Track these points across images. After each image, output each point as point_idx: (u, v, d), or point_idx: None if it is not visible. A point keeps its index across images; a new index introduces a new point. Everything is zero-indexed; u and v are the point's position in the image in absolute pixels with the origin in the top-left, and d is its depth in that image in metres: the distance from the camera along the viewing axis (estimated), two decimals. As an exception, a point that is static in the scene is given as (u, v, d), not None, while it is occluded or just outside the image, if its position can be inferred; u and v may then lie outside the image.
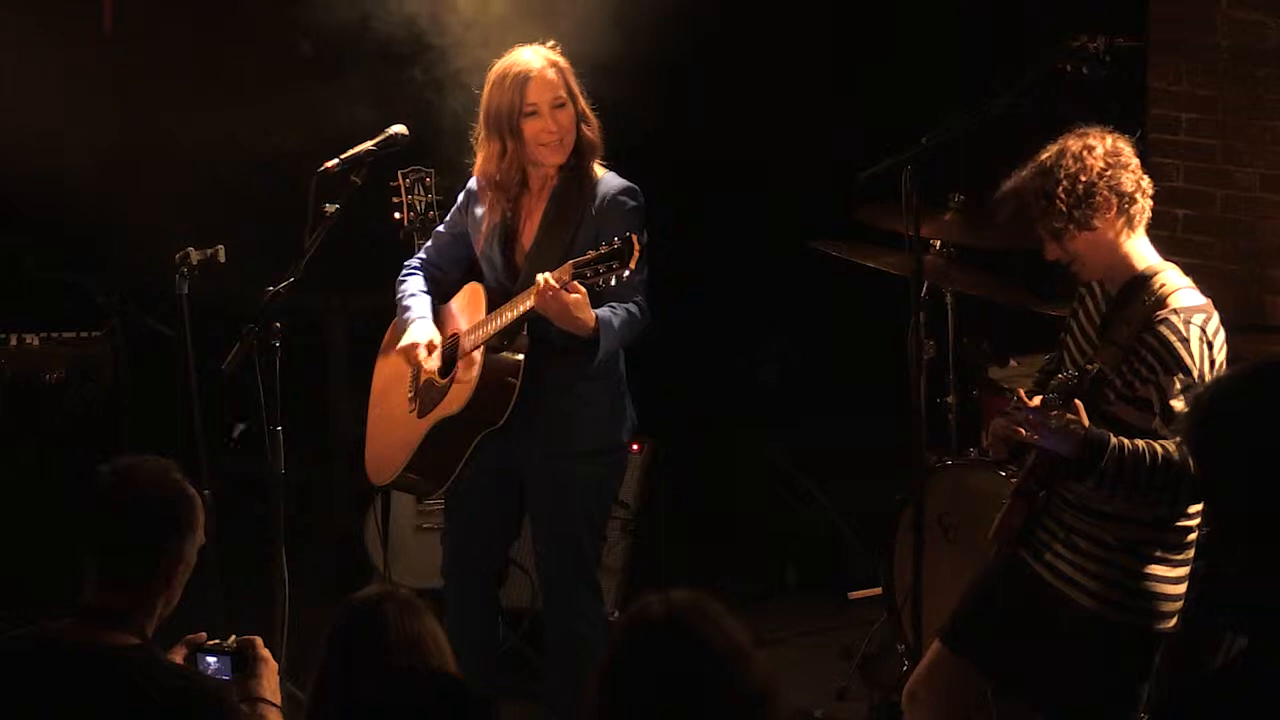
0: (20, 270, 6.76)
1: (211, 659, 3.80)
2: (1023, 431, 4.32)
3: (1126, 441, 4.26)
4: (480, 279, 5.24)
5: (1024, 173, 4.45)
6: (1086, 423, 4.25)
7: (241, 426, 5.99)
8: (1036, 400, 4.35)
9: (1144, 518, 4.39)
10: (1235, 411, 2.87)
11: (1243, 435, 2.84)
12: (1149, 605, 4.43)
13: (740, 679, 2.80)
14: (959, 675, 4.67)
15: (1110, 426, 4.32)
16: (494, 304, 5.09)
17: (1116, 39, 5.58)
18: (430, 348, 5.14)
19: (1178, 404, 4.26)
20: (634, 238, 4.73)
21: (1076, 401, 4.28)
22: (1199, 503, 4.35)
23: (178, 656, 3.78)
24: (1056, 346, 4.67)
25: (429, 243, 5.39)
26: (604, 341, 4.92)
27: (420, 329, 5.17)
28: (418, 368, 5.24)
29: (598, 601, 5.24)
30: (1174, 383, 4.27)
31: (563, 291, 4.78)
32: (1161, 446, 4.26)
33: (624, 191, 5.11)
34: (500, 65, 5.11)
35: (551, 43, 5.15)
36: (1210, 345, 4.32)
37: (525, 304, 4.92)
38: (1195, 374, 4.27)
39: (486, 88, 5.12)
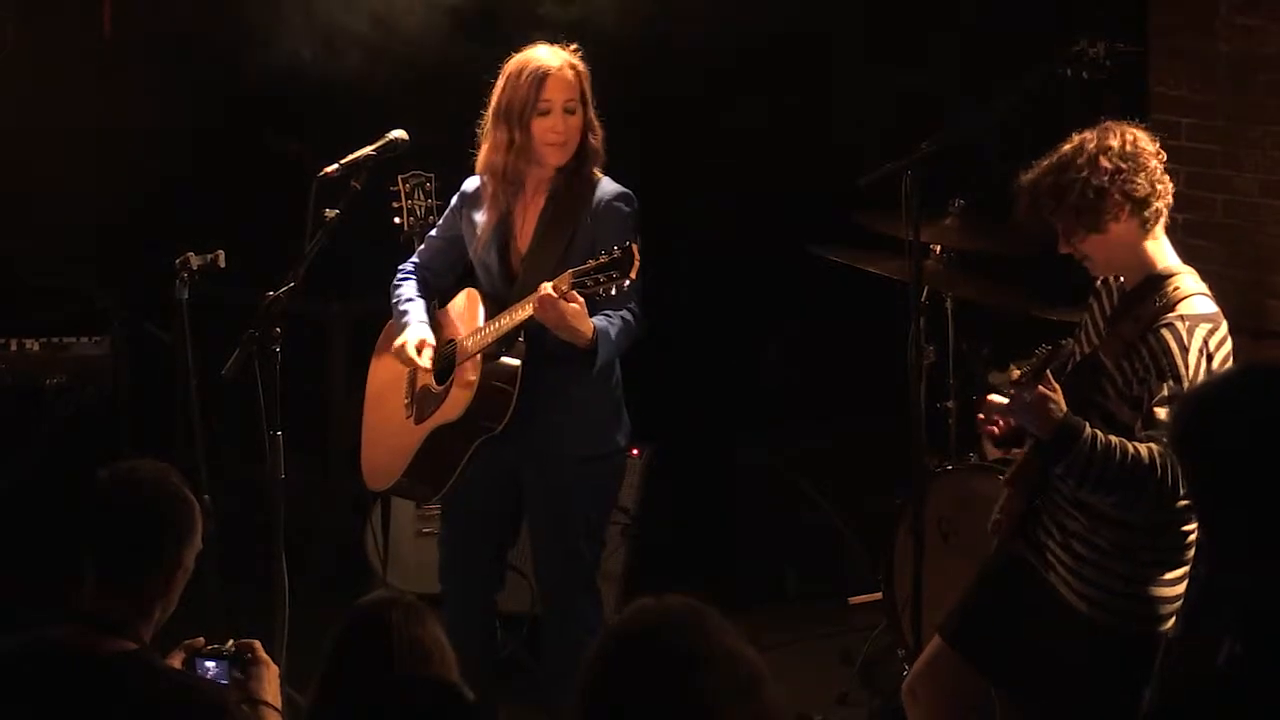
0: (20, 275, 6.75)
1: (210, 664, 3.80)
2: (999, 401, 4.33)
3: (1101, 435, 4.24)
4: (474, 283, 5.24)
5: (1043, 164, 4.40)
6: (1064, 407, 4.25)
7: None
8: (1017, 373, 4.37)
9: (1139, 522, 4.39)
10: (1224, 413, 2.87)
11: (1231, 437, 2.83)
12: (1146, 610, 4.43)
13: (732, 688, 2.77)
14: (958, 673, 4.66)
15: (1104, 421, 4.32)
16: (491, 309, 5.09)
17: (1116, 44, 5.59)
18: (421, 347, 5.14)
19: (1160, 410, 4.23)
20: (634, 247, 4.73)
21: (1048, 374, 4.27)
22: (1163, 507, 4.32)
23: (176, 662, 3.78)
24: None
25: (421, 246, 5.40)
26: (601, 351, 4.92)
27: (415, 331, 5.17)
28: (413, 373, 5.24)
29: (596, 606, 5.24)
30: (1163, 388, 4.25)
31: (562, 301, 4.79)
32: (1134, 447, 4.23)
33: (619, 197, 5.12)
34: (518, 59, 5.11)
35: (574, 47, 5.15)
36: (1210, 358, 4.29)
37: (524, 312, 4.92)
38: (1186, 384, 4.24)
39: (501, 79, 5.11)
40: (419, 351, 5.13)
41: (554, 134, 5.06)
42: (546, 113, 5.05)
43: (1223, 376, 3.10)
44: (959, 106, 5.49)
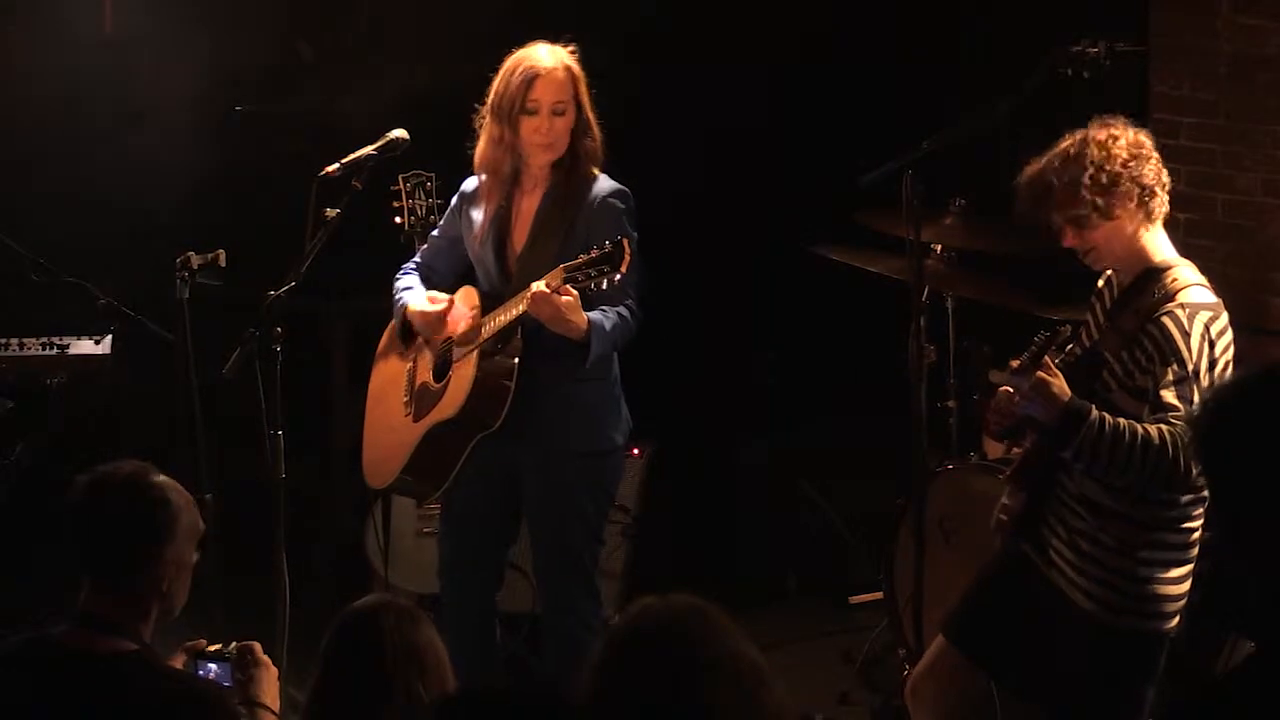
0: (22, 274, 6.75)
1: (211, 666, 3.80)
2: (1013, 393, 4.35)
3: (1108, 417, 4.27)
4: (474, 282, 5.24)
5: (1045, 160, 4.46)
6: (1067, 390, 4.27)
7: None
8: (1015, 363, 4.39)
9: (1143, 519, 4.39)
10: (1241, 415, 2.87)
11: (1248, 439, 2.83)
12: (1149, 607, 4.43)
13: (735, 688, 2.76)
14: (962, 671, 4.67)
15: (1107, 412, 4.32)
16: (488, 307, 5.10)
17: (1117, 43, 5.58)
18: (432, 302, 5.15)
19: (1167, 394, 4.27)
20: (625, 241, 4.74)
21: (1046, 360, 4.30)
22: (1173, 491, 4.34)
23: (177, 663, 3.78)
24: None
25: (424, 246, 5.40)
26: (595, 345, 4.93)
27: (420, 295, 5.19)
28: (413, 370, 5.25)
29: (595, 605, 5.25)
30: (1167, 373, 4.29)
31: (554, 295, 4.80)
32: (1143, 429, 4.26)
33: (614, 194, 5.12)
34: (515, 56, 5.12)
35: (572, 48, 5.15)
36: (1212, 344, 4.33)
37: (518, 308, 4.93)
38: (1190, 368, 4.27)
39: (499, 74, 5.12)
40: (431, 304, 5.14)
41: (539, 134, 5.07)
42: (534, 113, 5.06)
43: (1236, 381, 3.10)
44: (959, 106, 5.47)
